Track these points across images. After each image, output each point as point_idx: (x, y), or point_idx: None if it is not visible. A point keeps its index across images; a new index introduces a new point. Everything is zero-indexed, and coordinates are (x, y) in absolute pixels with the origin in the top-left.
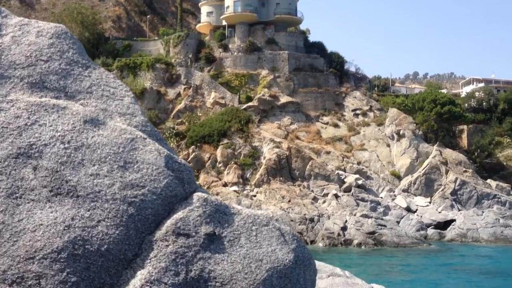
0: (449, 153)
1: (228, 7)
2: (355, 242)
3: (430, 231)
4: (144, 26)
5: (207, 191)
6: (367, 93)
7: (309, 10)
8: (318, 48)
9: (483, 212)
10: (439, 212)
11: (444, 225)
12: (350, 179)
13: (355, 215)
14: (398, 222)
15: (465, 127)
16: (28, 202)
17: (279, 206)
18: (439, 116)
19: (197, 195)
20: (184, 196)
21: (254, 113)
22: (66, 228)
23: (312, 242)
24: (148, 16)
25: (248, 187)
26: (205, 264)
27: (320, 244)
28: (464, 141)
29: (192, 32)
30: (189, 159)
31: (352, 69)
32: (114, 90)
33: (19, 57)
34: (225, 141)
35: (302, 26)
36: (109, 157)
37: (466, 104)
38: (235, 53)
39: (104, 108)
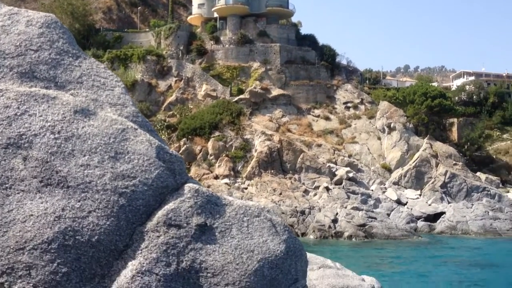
0: (439, 146)
1: None
2: (346, 234)
3: (420, 224)
4: (135, 17)
5: (198, 182)
6: (358, 86)
7: (301, 2)
8: (309, 40)
9: (472, 204)
10: (429, 205)
11: (434, 217)
12: (341, 172)
13: (346, 207)
14: (388, 215)
15: (455, 120)
16: (18, 193)
17: (270, 198)
18: (429, 109)
19: (188, 186)
20: (175, 187)
21: (245, 106)
22: (56, 218)
23: (303, 234)
24: (139, 8)
25: (239, 180)
26: (197, 255)
27: (311, 237)
28: (454, 134)
29: (184, 24)
30: (181, 151)
31: (344, 62)
32: (104, 80)
33: (8, 47)
34: (217, 133)
35: (294, 19)
36: (100, 148)
37: (456, 98)
38: (227, 46)
39: (95, 98)
